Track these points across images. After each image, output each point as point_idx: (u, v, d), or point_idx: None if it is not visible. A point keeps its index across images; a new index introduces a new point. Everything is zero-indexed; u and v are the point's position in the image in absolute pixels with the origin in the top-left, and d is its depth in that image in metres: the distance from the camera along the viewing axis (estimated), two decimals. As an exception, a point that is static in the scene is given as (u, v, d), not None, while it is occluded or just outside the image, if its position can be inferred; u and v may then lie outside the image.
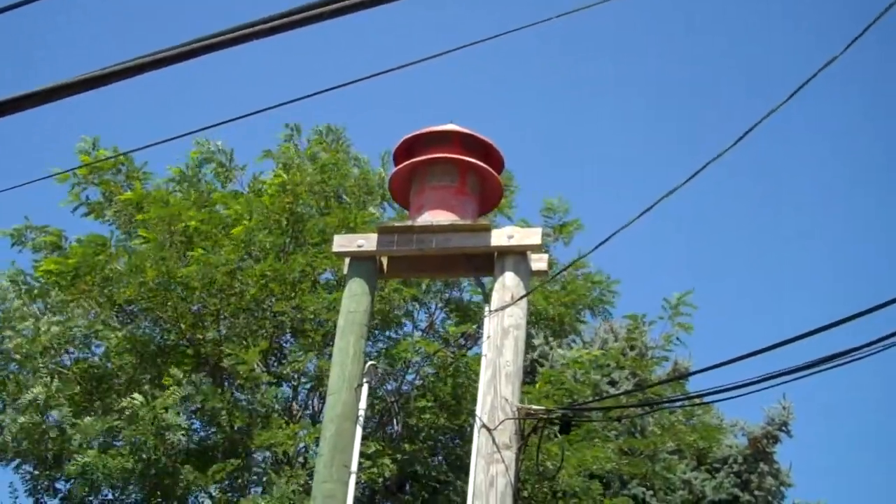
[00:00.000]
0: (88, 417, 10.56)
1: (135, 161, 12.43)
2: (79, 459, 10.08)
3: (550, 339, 14.34)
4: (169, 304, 11.27)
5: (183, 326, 11.37)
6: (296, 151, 12.36)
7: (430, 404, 11.23)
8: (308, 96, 4.71)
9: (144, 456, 10.13)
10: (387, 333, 12.05)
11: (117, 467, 10.02)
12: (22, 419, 10.59)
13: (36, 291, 11.74)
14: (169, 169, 12.66)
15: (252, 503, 9.61)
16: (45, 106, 3.90)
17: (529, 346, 14.29)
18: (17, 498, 11.68)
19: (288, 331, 11.80)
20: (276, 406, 10.92)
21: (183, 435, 10.36)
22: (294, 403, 11.48)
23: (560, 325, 12.79)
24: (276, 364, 11.82)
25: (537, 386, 10.90)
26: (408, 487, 11.47)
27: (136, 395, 10.26)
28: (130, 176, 12.41)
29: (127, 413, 10.23)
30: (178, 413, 10.21)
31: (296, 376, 11.62)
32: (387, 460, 9.98)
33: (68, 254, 11.68)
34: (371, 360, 6.37)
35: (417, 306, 12.05)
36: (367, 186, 12.26)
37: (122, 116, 27.50)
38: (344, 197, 12.28)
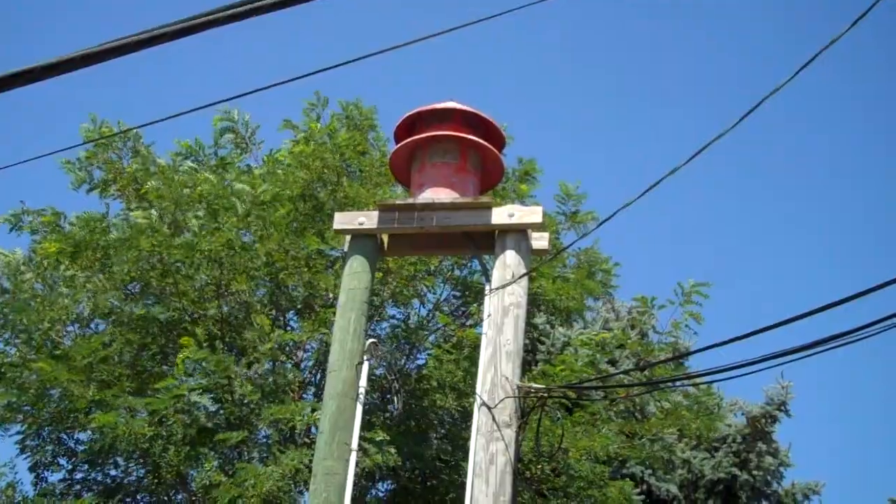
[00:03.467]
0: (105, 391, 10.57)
1: (143, 139, 12.46)
2: (99, 416, 10.07)
3: (552, 318, 14.34)
4: (169, 280, 11.27)
5: (185, 303, 11.37)
6: (316, 126, 12.25)
7: (435, 384, 11.23)
8: (319, 71, 4.71)
9: (164, 432, 10.16)
10: (392, 314, 12.06)
11: (138, 432, 10.03)
12: (47, 364, 10.56)
13: (44, 266, 11.75)
14: (177, 143, 12.64)
15: (252, 472, 9.64)
16: (51, 84, 3.88)
17: (530, 325, 14.29)
18: (17, 473, 11.73)
19: (298, 305, 11.79)
20: (289, 378, 10.94)
21: (203, 412, 10.41)
22: (296, 378, 11.48)
23: (567, 313, 12.80)
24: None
25: (556, 369, 10.83)
26: (407, 465, 11.49)
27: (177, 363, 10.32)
28: (136, 151, 12.38)
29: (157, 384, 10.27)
30: (201, 392, 10.23)
31: (298, 353, 11.64)
32: (392, 448, 10.01)
33: (68, 233, 11.68)
34: (372, 338, 6.37)
35: (425, 288, 12.03)
36: (384, 169, 12.15)
37: (131, 95, 27.46)
38: (358, 172, 12.18)
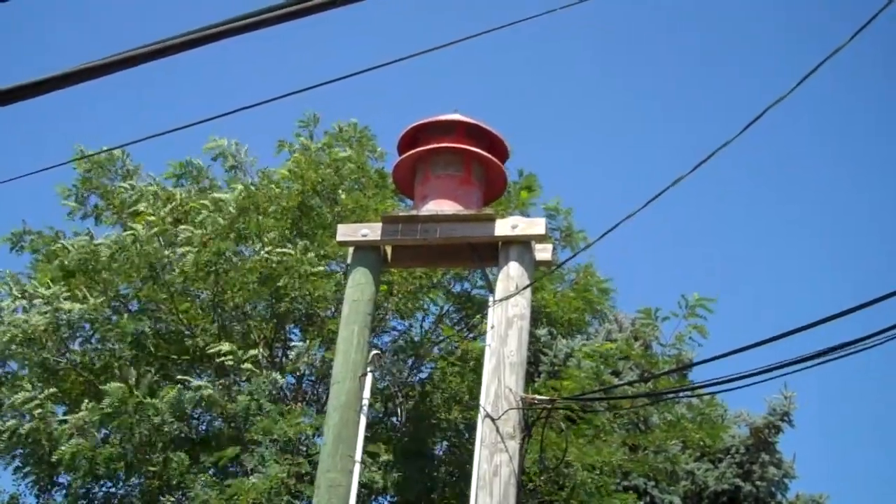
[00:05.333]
0: (83, 411, 10.59)
1: (130, 157, 12.65)
2: (66, 449, 10.18)
3: (553, 330, 14.34)
4: (163, 296, 11.32)
5: (180, 317, 11.41)
6: (310, 143, 12.33)
7: (439, 397, 11.22)
8: (316, 86, 4.70)
9: (132, 445, 10.23)
10: (393, 325, 12.07)
11: (105, 455, 10.13)
12: (11, 422, 10.69)
13: (30, 286, 11.77)
14: (170, 165, 12.74)
15: (238, 485, 9.67)
16: (46, 101, 3.87)
17: (532, 337, 14.29)
18: (19, 486, 11.72)
19: (295, 321, 11.80)
20: (276, 394, 10.94)
21: (175, 426, 10.45)
22: (299, 389, 11.49)
23: (569, 326, 12.83)
24: (281, 355, 11.85)
25: (564, 383, 10.86)
26: (410, 476, 11.47)
27: (113, 384, 10.31)
28: (127, 171, 12.56)
29: (113, 402, 10.31)
30: (162, 404, 10.31)
31: (301, 367, 11.63)
32: (395, 472, 10.05)
33: (63, 263, 11.78)
34: (377, 351, 6.37)
35: (428, 300, 12.04)
36: (384, 182, 12.16)
37: (120, 115, 27.51)
38: (357, 185, 12.22)
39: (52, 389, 10.96)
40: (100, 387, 10.70)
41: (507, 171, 6.94)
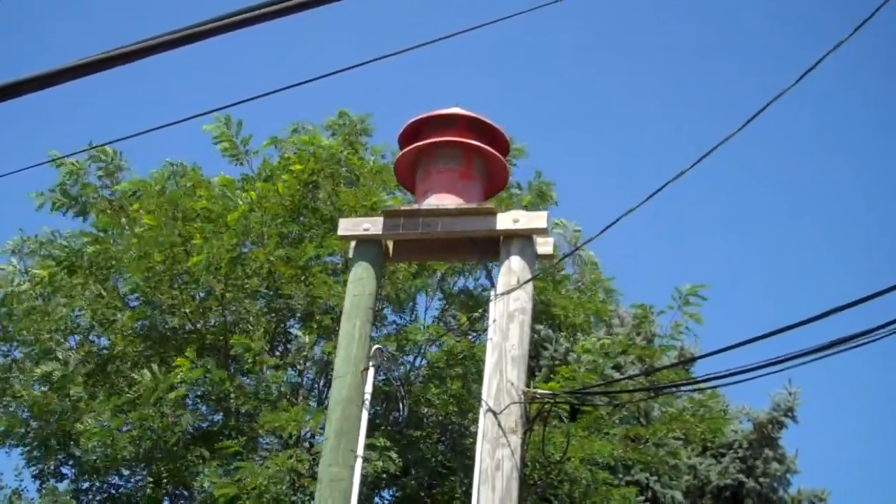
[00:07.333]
0: (100, 398, 10.64)
1: (119, 154, 12.67)
2: (90, 430, 10.20)
3: (557, 330, 14.32)
4: (174, 291, 11.30)
5: (187, 311, 11.39)
6: (314, 134, 12.33)
7: (437, 391, 11.22)
8: (315, 79, 4.69)
9: (151, 436, 10.23)
10: (392, 319, 12.07)
11: (123, 444, 10.15)
12: (35, 392, 10.71)
13: (41, 279, 11.79)
14: (168, 163, 12.72)
15: (249, 469, 9.69)
16: (39, 96, 3.86)
17: (533, 331, 14.27)
18: (22, 481, 11.74)
19: (297, 315, 11.80)
20: (283, 389, 10.95)
21: (188, 419, 10.46)
22: (301, 387, 11.50)
23: (574, 330, 12.88)
24: (282, 349, 11.85)
25: (555, 384, 10.89)
26: (412, 472, 11.47)
27: (144, 371, 10.33)
28: (119, 168, 12.56)
29: (133, 391, 10.32)
30: (182, 394, 10.31)
31: (302, 361, 11.63)
32: (393, 454, 10.02)
33: (57, 256, 11.78)
34: (377, 343, 6.36)
35: (426, 293, 12.05)
36: (382, 177, 12.12)
37: (112, 111, 27.51)
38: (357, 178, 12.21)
39: (84, 371, 11.00)
40: (131, 374, 10.75)
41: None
